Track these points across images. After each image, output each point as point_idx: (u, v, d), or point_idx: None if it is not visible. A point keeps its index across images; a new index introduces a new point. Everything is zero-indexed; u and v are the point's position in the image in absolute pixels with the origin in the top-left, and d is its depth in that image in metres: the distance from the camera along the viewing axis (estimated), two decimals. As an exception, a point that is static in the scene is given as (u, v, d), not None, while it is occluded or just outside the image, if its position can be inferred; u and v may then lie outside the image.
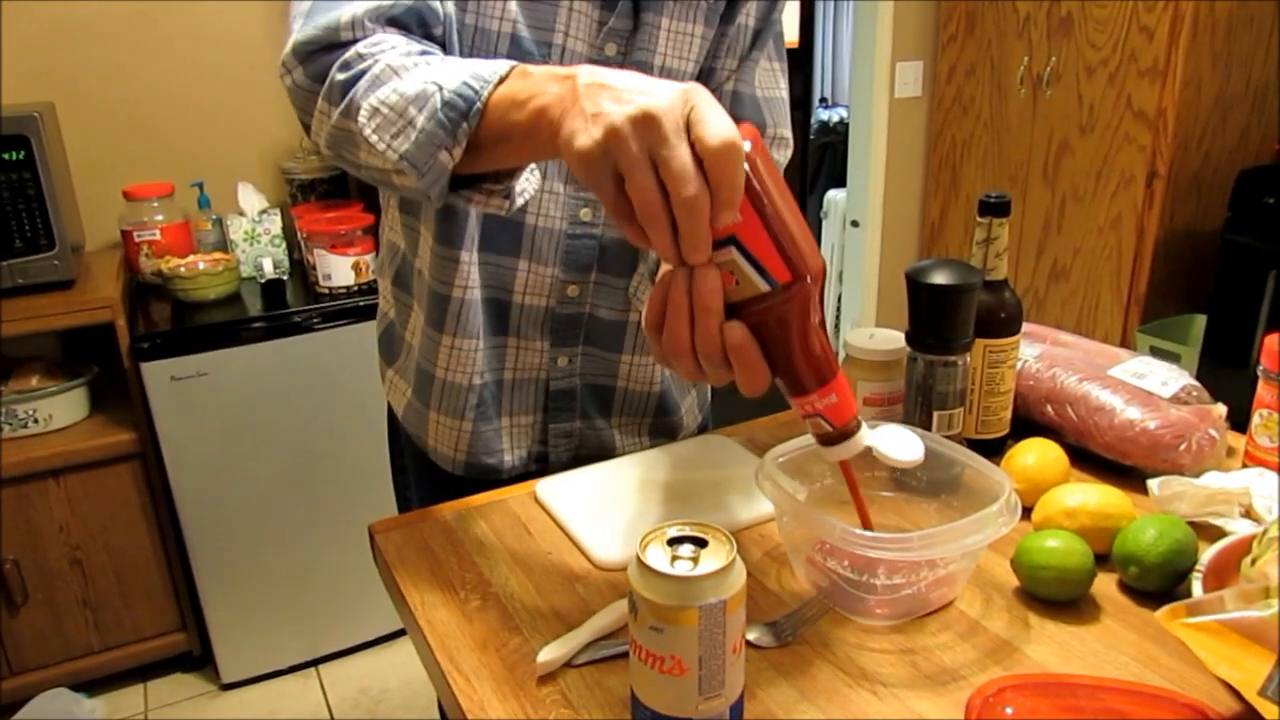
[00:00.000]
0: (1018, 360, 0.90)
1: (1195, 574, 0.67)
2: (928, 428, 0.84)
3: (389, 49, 0.70)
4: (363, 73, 0.69)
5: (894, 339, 0.90)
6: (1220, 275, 2.48)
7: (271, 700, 2.06)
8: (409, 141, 0.65)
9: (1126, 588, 0.72)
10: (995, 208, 0.85)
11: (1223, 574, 0.68)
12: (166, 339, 1.82)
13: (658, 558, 0.53)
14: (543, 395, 0.97)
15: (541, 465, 1.00)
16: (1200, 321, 2.57)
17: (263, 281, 2.04)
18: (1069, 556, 0.68)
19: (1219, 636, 0.60)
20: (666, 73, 0.87)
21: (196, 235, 2.14)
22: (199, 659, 2.12)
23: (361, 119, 0.67)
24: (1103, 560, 0.71)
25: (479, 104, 0.62)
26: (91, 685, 2.02)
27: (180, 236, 2.08)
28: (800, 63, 2.78)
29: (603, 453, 1.00)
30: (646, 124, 0.50)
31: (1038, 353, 0.95)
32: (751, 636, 0.67)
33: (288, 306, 1.95)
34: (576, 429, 0.99)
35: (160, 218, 2.06)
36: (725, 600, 0.52)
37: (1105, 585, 0.72)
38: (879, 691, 0.62)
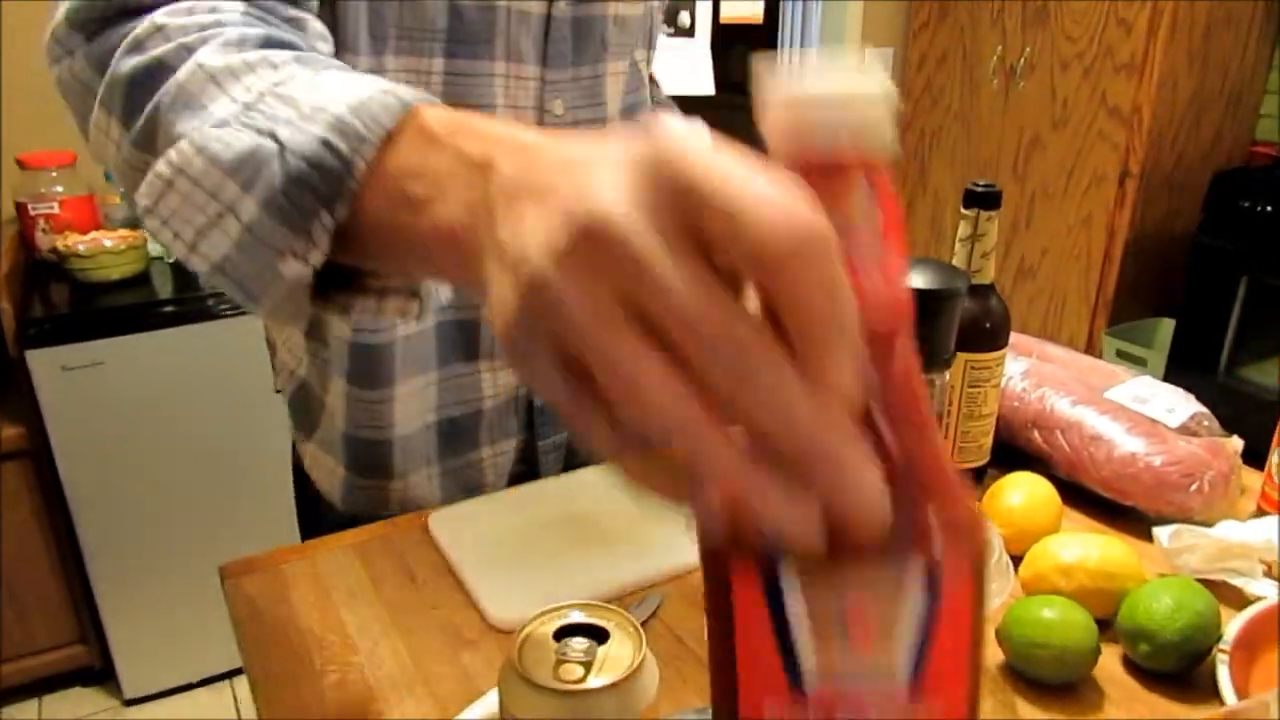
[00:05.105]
0: (1002, 378, 0.78)
1: (1220, 655, 0.55)
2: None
3: (210, 27, 0.43)
4: (160, 66, 0.42)
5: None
6: (1191, 278, 2.42)
7: (182, 716, 1.91)
8: (228, 241, 0.37)
9: (1133, 665, 0.59)
10: (983, 199, 0.72)
11: (1253, 650, 0.56)
12: (57, 324, 1.63)
13: (538, 661, 0.39)
14: (524, 413, 0.84)
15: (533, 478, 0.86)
16: (1168, 325, 2.51)
17: (171, 261, 1.86)
18: (1070, 631, 0.55)
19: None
20: (621, 22, 0.75)
21: (103, 210, 1.95)
22: (100, 673, 1.95)
23: (143, 199, 0.40)
24: (1102, 625, 0.58)
25: (351, 181, 0.35)
26: (-22, 701, 1.85)
27: (83, 211, 1.89)
28: (765, 46, 2.66)
29: (594, 458, 0.86)
30: (593, 254, 0.24)
31: (1024, 368, 0.82)
32: (675, 730, 0.53)
33: (200, 290, 1.77)
34: (565, 439, 0.87)
35: (60, 189, 1.86)
36: None
37: (1108, 660, 0.59)
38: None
